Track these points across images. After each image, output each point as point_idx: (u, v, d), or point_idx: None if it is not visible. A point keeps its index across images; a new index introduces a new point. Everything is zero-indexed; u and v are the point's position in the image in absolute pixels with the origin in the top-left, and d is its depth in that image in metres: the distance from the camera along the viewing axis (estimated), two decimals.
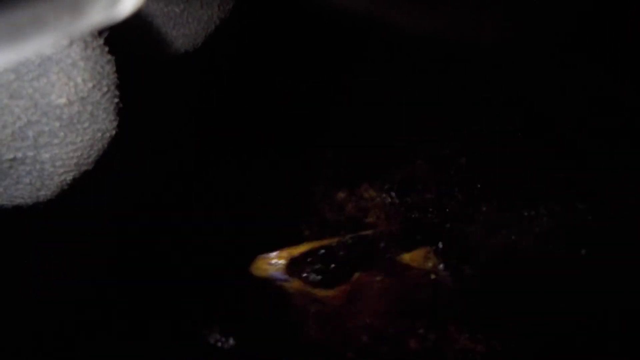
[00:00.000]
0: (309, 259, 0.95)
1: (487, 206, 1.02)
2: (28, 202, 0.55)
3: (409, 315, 0.98)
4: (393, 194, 1.05)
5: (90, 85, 0.49)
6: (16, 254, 0.89)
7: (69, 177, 0.54)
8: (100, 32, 0.50)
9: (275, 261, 0.95)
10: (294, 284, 0.95)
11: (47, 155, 0.51)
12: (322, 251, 0.96)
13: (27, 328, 0.95)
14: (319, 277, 0.95)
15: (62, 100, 0.48)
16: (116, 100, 0.53)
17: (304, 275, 0.94)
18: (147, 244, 1.06)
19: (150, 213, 1.05)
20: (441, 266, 0.98)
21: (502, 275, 0.99)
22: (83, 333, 1.00)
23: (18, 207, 0.55)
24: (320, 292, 0.96)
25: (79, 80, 0.48)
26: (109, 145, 0.55)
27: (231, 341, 1.03)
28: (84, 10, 0.29)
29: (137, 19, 0.62)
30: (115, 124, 0.54)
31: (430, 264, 0.99)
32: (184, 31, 0.67)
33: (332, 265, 0.96)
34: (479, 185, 1.04)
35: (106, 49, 0.51)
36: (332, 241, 0.98)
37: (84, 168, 0.54)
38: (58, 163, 0.52)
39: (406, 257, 0.99)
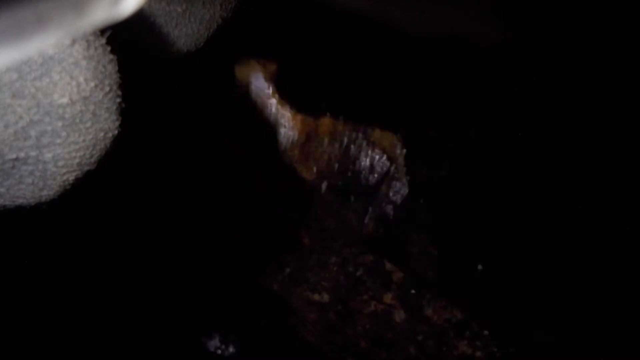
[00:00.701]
0: (291, 77, 0.97)
1: (429, 153, 1.03)
2: (30, 202, 0.55)
3: (348, 184, 1.00)
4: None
5: (92, 84, 0.49)
6: (18, 253, 0.89)
7: (71, 177, 0.54)
8: (102, 32, 0.50)
9: (260, 69, 0.95)
10: (269, 93, 0.95)
11: (49, 155, 0.51)
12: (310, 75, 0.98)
13: (27, 328, 0.95)
14: (296, 94, 0.95)
15: (65, 100, 0.48)
16: (118, 99, 0.53)
17: (281, 89, 0.95)
18: (147, 246, 1.06)
19: (151, 214, 1.05)
20: (401, 161, 0.99)
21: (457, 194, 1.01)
22: (83, 338, 1.00)
23: (20, 207, 0.55)
24: (290, 113, 0.96)
25: (82, 79, 0.48)
26: (111, 145, 0.55)
27: (231, 348, 1.03)
28: (87, 9, 0.29)
29: (139, 19, 0.62)
30: (117, 123, 0.54)
31: (393, 153, 0.99)
32: (186, 30, 0.67)
33: (310, 92, 0.99)
34: (449, 143, 1.05)
35: (108, 48, 0.51)
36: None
37: (86, 168, 0.54)
38: (60, 163, 0.52)
39: (376, 134, 0.99)
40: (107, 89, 0.51)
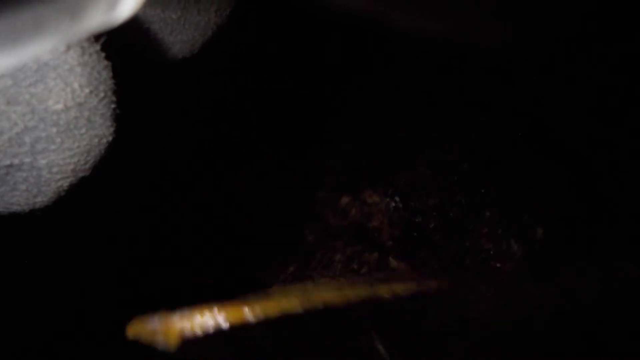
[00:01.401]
0: (211, 342, 0.56)
1: (431, 155, 1.00)
2: (25, 209, 0.54)
3: None
4: (397, 198, 1.04)
5: (87, 91, 0.49)
6: (13, 260, 0.88)
7: (65, 184, 0.54)
8: (97, 38, 0.50)
9: (163, 330, 0.58)
10: None
11: (44, 162, 0.50)
12: (239, 331, 0.57)
13: (26, 333, 0.95)
14: None
15: (59, 106, 0.48)
16: (113, 106, 0.53)
17: None
18: (145, 250, 1.06)
19: (148, 219, 1.05)
20: None
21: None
22: (80, 339, 1.00)
23: (14, 213, 0.55)
24: None
25: (76, 86, 0.48)
26: (106, 151, 0.54)
27: None
28: (82, 15, 0.29)
29: (134, 25, 0.62)
30: (112, 129, 0.53)
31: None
32: (181, 37, 0.67)
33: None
34: (451, 146, 1.03)
35: (103, 54, 0.51)
36: (260, 314, 0.58)
37: (81, 174, 0.54)
38: (55, 169, 0.51)
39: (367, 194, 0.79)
40: (102, 95, 0.51)
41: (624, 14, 0.96)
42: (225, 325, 0.55)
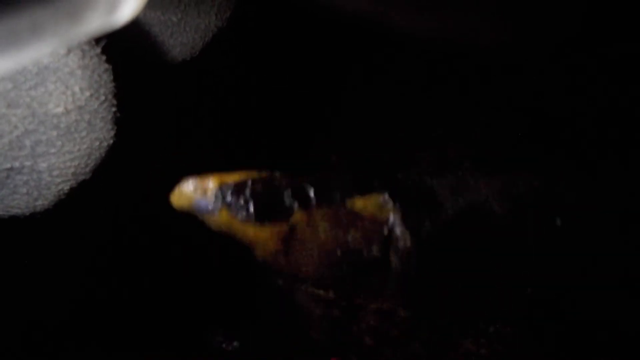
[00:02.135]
0: (242, 189, 0.76)
1: (458, 164, 0.98)
2: (25, 212, 0.54)
3: (353, 273, 0.85)
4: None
5: (87, 94, 0.49)
6: (14, 262, 0.89)
7: (66, 187, 0.54)
8: (97, 41, 0.50)
9: (201, 186, 0.75)
10: (220, 217, 0.75)
11: (44, 165, 0.50)
12: (260, 182, 0.78)
13: (26, 333, 0.95)
14: (252, 211, 0.75)
15: (60, 109, 0.48)
16: (114, 108, 0.53)
17: (233, 206, 0.75)
18: (149, 244, 1.06)
19: (151, 216, 1.05)
20: (398, 219, 0.82)
21: (467, 236, 0.89)
22: (84, 337, 1.00)
23: (15, 217, 0.55)
24: (251, 230, 0.77)
25: (77, 89, 0.48)
26: (106, 154, 0.54)
27: (235, 343, 1.03)
28: (82, 18, 0.29)
29: (134, 28, 0.62)
30: (112, 132, 0.54)
31: (385, 215, 0.83)
32: (181, 39, 0.67)
33: (269, 199, 0.77)
34: (452, 144, 1.01)
35: (103, 57, 0.51)
36: (275, 174, 0.80)
37: (81, 177, 0.54)
38: (55, 172, 0.51)
39: (358, 203, 0.83)
40: (102, 98, 0.51)
41: (624, 13, 0.96)
42: (239, 180, 0.77)
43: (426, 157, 1.08)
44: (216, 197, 0.75)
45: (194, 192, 0.75)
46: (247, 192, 0.77)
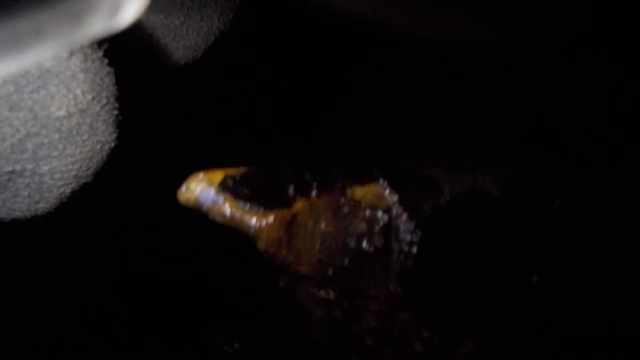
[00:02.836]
0: (245, 179, 0.80)
1: (452, 150, 0.98)
2: (26, 215, 0.54)
3: (355, 258, 0.87)
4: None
5: (89, 97, 0.49)
6: (16, 265, 0.89)
7: (67, 190, 0.54)
8: (99, 44, 0.50)
9: (206, 179, 0.78)
10: (225, 206, 0.78)
11: (46, 168, 0.50)
12: (263, 173, 0.82)
13: (26, 334, 0.95)
14: (255, 199, 0.79)
15: (62, 113, 0.48)
16: (115, 111, 0.53)
17: (237, 195, 0.78)
18: (151, 244, 1.06)
19: (153, 216, 1.05)
20: (397, 206, 0.86)
21: (465, 220, 0.91)
22: (84, 337, 1.00)
23: (16, 219, 0.55)
24: (254, 218, 0.79)
25: (79, 92, 0.48)
26: (108, 157, 0.54)
27: (236, 344, 1.03)
28: (84, 21, 0.29)
29: (136, 31, 0.62)
30: (114, 135, 0.53)
31: (385, 203, 0.86)
32: (183, 42, 0.67)
33: (272, 189, 0.81)
34: (452, 144, 1.01)
35: (105, 61, 0.51)
36: (277, 166, 0.84)
37: (83, 180, 0.54)
38: (57, 175, 0.51)
39: (359, 192, 0.86)
40: (104, 101, 0.51)
41: (624, 13, 0.96)
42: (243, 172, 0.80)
43: (426, 157, 1.08)
44: (221, 187, 0.78)
45: (200, 184, 0.78)
46: (251, 182, 0.80)
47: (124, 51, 0.52)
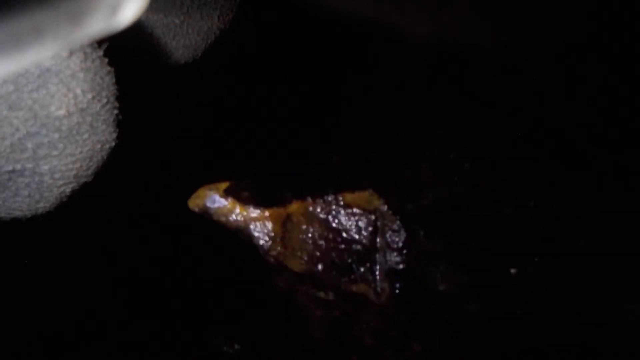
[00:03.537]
0: (248, 187, 0.95)
1: (451, 150, 1.02)
2: (26, 215, 0.54)
3: (344, 256, 0.97)
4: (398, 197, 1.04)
5: (89, 96, 0.49)
6: (15, 265, 0.89)
7: (67, 189, 0.53)
8: (99, 43, 0.50)
9: (214, 187, 0.93)
10: (230, 207, 0.93)
11: (46, 167, 0.50)
12: (264, 183, 0.96)
13: (26, 334, 0.95)
14: (255, 199, 0.94)
15: (62, 112, 0.48)
16: (116, 111, 0.53)
17: (241, 198, 0.93)
18: (152, 245, 1.06)
19: (150, 220, 1.05)
20: (384, 209, 0.97)
21: (447, 219, 0.98)
22: (85, 337, 1.00)
23: (16, 219, 0.55)
24: (254, 213, 0.94)
25: (79, 91, 0.48)
26: (108, 156, 0.54)
27: (236, 345, 1.03)
28: (84, 21, 0.29)
29: (136, 30, 0.62)
30: (114, 135, 0.53)
31: (372, 206, 0.97)
32: (184, 42, 0.67)
33: (271, 193, 0.96)
34: (452, 144, 1.04)
35: (106, 60, 0.51)
36: (275, 179, 0.98)
37: (83, 180, 0.54)
38: (57, 175, 0.51)
39: (348, 197, 0.96)
40: (104, 100, 0.51)
41: (625, 13, 0.96)
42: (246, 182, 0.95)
43: (426, 157, 1.08)
44: (227, 192, 0.93)
45: (209, 191, 0.93)
46: (252, 189, 0.95)
47: (124, 51, 0.52)
